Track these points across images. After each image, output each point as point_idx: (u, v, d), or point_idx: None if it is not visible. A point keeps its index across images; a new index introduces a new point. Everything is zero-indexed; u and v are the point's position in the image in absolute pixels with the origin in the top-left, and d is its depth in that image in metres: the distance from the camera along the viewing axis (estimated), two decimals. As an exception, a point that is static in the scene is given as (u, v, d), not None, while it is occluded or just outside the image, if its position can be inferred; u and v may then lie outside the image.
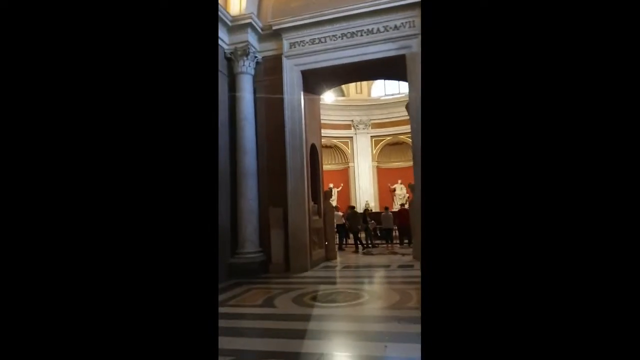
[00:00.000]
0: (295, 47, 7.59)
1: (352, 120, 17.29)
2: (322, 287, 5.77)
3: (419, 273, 6.37)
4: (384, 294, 5.15)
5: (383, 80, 17.60)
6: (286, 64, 7.59)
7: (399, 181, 16.79)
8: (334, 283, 6.12)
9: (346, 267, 7.81)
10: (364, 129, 17.39)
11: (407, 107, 7.67)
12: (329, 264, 8.11)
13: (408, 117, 16.32)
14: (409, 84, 7.17)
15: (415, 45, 6.90)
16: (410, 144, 16.47)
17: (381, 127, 17.31)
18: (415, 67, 6.88)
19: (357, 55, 7.26)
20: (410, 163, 16.91)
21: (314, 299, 5.05)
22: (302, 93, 7.62)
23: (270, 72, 7.71)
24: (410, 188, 8.35)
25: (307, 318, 4.16)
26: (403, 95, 16.87)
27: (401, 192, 16.71)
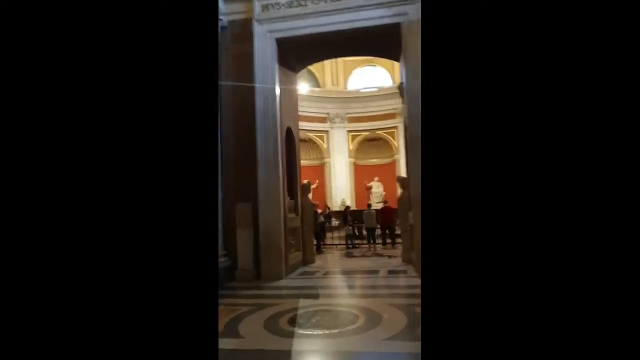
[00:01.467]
0: (268, 9, 6.20)
1: (327, 113, 16.07)
2: (301, 302, 4.43)
3: (416, 281, 5.19)
4: (383, 313, 3.89)
5: (361, 73, 16.58)
6: (258, 30, 6.19)
7: (376, 179, 15.83)
8: (316, 296, 4.79)
9: (328, 273, 6.50)
10: (340, 122, 16.22)
11: (399, 88, 6.48)
12: (307, 269, 6.77)
13: (387, 112, 15.79)
14: (403, 60, 5.98)
15: (413, 12, 5.70)
16: (388, 140, 16.02)
17: (358, 122, 16.23)
18: (412, 39, 5.68)
19: (343, 22, 5.97)
20: (389, 160, 16.50)
21: (293, 322, 3.71)
22: (276, 66, 6.25)
23: (238, 39, 6.27)
24: (400, 182, 7.18)
25: (286, 357, 2.82)
26: (382, 88, 15.90)
27: (378, 190, 15.77)
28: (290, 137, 6.84)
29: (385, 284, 5.48)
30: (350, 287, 5.43)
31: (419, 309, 3.77)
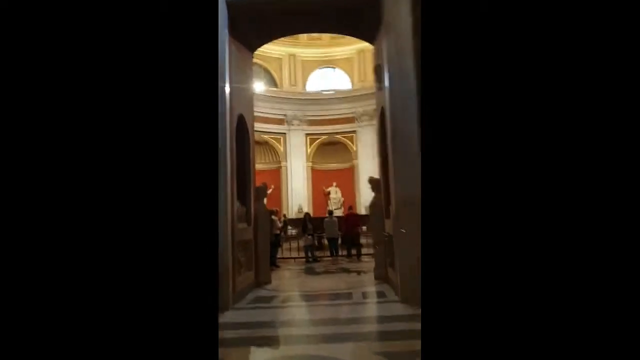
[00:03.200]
0: (217, -35, 4.72)
1: (285, 115, 14.68)
2: (255, 354, 2.97)
3: (400, 309, 3.94)
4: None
5: (319, 75, 15.44)
6: (203, -12, 4.68)
7: (334, 184, 14.72)
8: (277, 341, 3.34)
9: (288, 299, 5.05)
10: (298, 125, 14.89)
11: (375, 70, 5.29)
12: (262, 293, 5.27)
13: (346, 115, 14.74)
14: (385, 34, 4.79)
15: (395, -21, 4.55)
16: (347, 144, 14.99)
17: (317, 125, 15.01)
18: (396, 9, 4.54)
19: (312, -13, 4.68)
20: (347, 165, 15.49)
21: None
22: (227, 36, 4.78)
23: None
24: (372, 184, 5.98)
25: None
26: (342, 91, 14.89)
27: (336, 196, 14.68)
28: (242, 126, 5.35)
29: (364, 314, 4.16)
30: (320, 322, 4.01)
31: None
